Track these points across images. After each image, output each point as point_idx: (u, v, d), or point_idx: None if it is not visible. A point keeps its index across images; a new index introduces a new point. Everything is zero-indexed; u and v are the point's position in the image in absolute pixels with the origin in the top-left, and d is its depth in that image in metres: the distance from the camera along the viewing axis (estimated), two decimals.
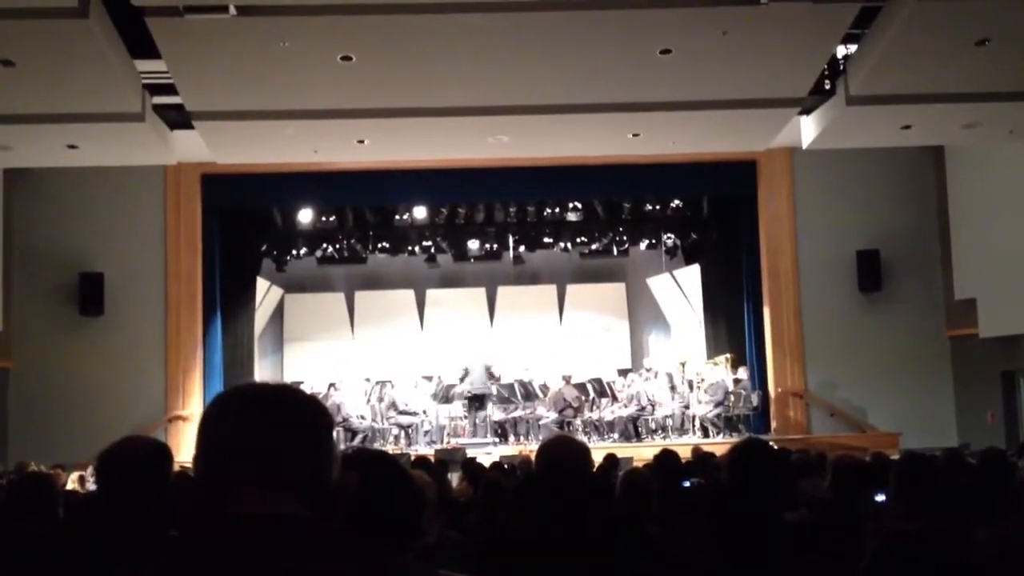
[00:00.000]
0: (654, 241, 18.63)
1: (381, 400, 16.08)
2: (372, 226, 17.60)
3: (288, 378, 17.79)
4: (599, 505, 3.38)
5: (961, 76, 11.01)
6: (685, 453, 9.13)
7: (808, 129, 13.57)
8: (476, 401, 15.87)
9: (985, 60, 10.48)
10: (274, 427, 1.39)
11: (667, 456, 6.76)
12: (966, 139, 13.75)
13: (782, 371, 16.14)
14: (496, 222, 17.74)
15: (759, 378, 16.22)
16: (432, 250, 18.64)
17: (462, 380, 16.03)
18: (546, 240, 18.53)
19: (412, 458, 8.49)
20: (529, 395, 15.90)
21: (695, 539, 3.45)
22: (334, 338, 19.69)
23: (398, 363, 18.20)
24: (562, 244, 18.61)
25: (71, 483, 9.11)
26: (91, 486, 8.32)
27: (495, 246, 18.76)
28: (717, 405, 15.59)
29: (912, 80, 11.20)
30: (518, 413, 15.98)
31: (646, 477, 4.97)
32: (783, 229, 16.32)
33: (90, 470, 8.26)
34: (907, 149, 15.42)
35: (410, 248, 18.46)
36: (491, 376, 16.08)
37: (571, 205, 17.23)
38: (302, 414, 1.43)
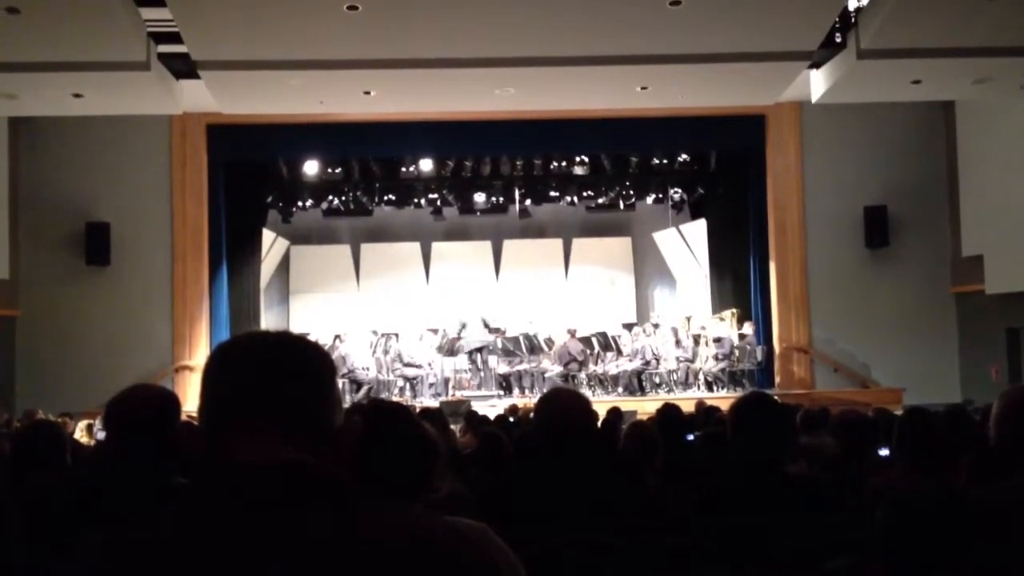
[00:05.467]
0: (660, 195, 18.55)
1: (386, 352, 16.13)
2: (378, 178, 17.53)
3: (294, 329, 17.69)
4: (602, 457, 3.40)
5: (972, 30, 10.89)
6: (689, 407, 9.18)
7: (818, 83, 13.45)
8: (475, 353, 15.95)
9: (996, 15, 10.37)
10: (277, 373, 1.38)
11: (670, 410, 6.78)
12: (976, 94, 13.63)
13: (787, 326, 16.16)
14: (502, 175, 17.67)
15: (764, 333, 16.23)
16: (438, 203, 18.60)
17: (459, 334, 16.09)
18: (552, 194, 18.47)
19: (417, 410, 8.55)
20: (534, 348, 15.94)
21: (698, 492, 3.47)
22: (340, 290, 19.73)
23: (403, 315, 18.25)
24: (568, 198, 18.54)
25: (79, 432, 9.14)
26: (99, 435, 8.37)
27: (501, 199, 18.71)
28: (723, 359, 15.62)
29: (923, 34, 11.09)
30: (523, 366, 16.03)
31: (651, 429, 5.00)
32: (790, 184, 16.25)
33: (98, 419, 8.30)
34: (917, 104, 15.30)
35: (416, 201, 18.43)
36: (490, 329, 16.11)
37: (578, 159, 17.17)
38: (304, 359, 1.42)
